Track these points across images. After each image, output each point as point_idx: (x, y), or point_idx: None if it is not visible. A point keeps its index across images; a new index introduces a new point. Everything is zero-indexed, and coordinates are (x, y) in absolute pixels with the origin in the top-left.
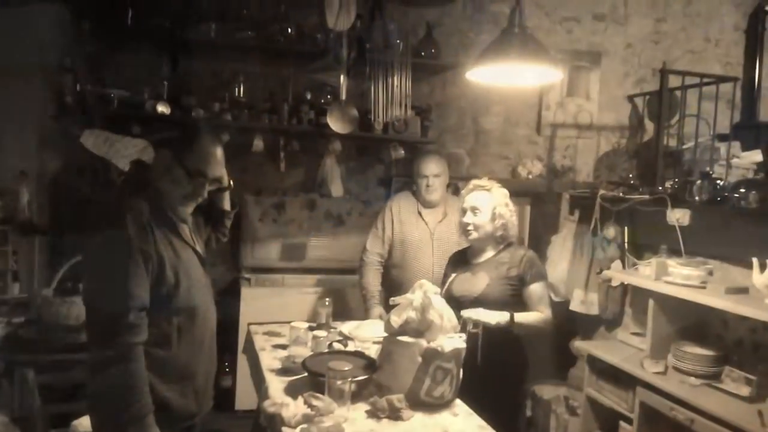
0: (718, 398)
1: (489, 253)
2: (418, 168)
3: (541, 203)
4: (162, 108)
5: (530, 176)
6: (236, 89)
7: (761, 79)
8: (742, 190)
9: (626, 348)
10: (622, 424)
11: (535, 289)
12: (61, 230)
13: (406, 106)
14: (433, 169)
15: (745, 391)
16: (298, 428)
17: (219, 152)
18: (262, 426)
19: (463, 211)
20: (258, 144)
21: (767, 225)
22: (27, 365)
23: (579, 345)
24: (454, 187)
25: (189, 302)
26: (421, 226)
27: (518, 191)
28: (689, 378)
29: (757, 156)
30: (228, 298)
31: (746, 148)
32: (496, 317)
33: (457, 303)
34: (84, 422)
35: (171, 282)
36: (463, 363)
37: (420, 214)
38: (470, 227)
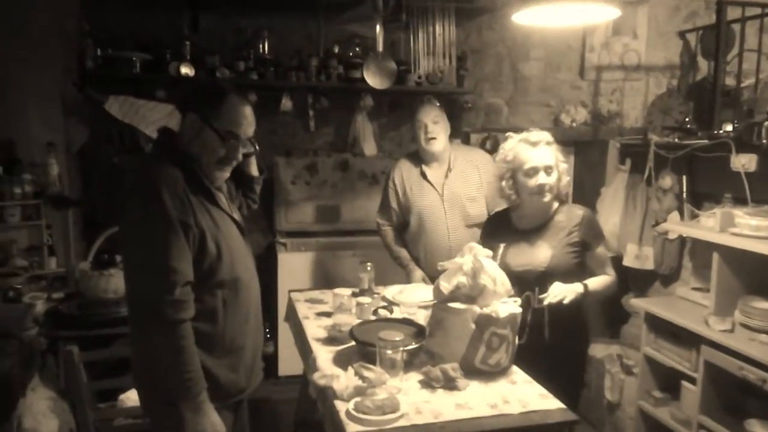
0: None
1: (544, 216)
2: (415, 118)
3: (587, 152)
4: (185, 69)
5: (574, 124)
6: (261, 46)
7: None
8: None
9: (687, 304)
10: (685, 383)
11: (601, 252)
12: (93, 202)
13: (450, 56)
14: (430, 115)
15: None
16: (351, 401)
17: (249, 111)
18: (312, 398)
19: (534, 171)
20: (286, 103)
21: None
22: (70, 341)
23: (635, 302)
24: (494, 140)
25: (233, 274)
26: (428, 189)
27: (562, 140)
28: (760, 335)
29: None
30: (265, 264)
31: None
32: (574, 291)
33: (517, 279)
34: (132, 396)
35: (213, 254)
36: (529, 338)
37: (424, 175)
38: (547, 189)
